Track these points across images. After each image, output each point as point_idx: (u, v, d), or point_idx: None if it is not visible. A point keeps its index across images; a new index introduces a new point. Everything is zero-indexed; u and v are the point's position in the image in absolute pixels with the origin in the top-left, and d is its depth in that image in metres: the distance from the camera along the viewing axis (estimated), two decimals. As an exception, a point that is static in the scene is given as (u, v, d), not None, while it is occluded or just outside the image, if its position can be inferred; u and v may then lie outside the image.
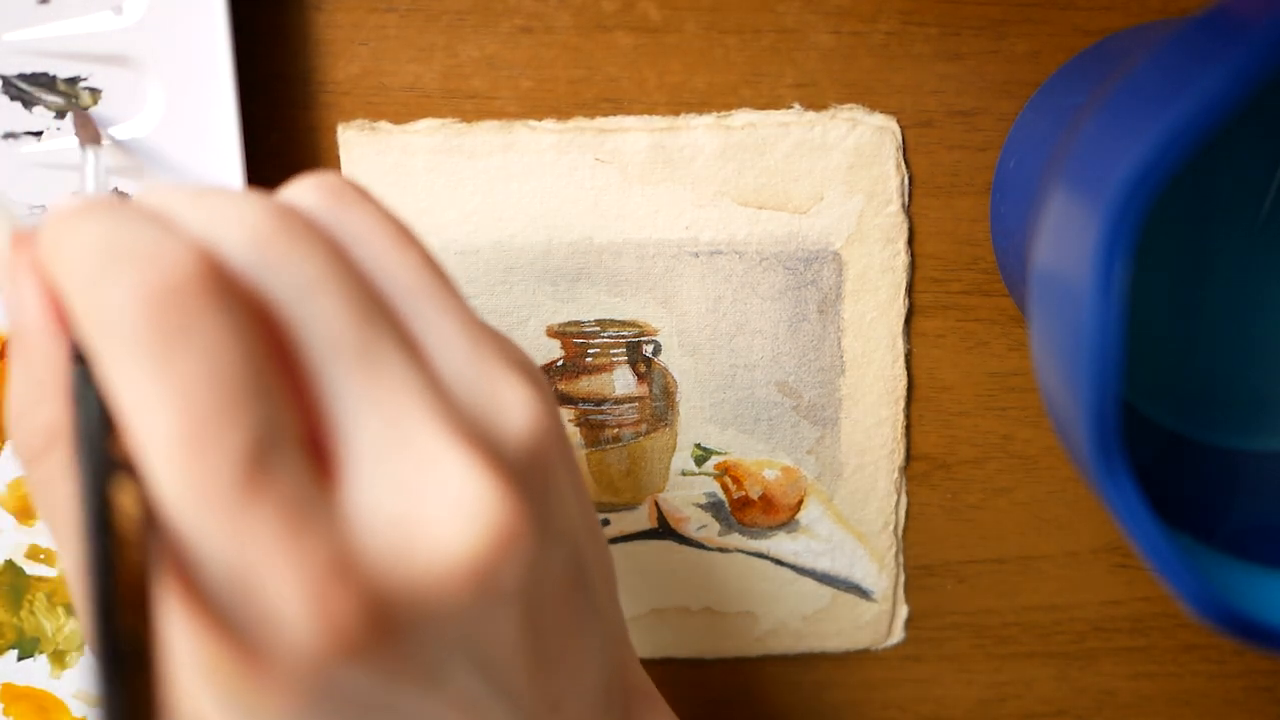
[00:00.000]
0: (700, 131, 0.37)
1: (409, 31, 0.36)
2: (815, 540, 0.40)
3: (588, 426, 0.39)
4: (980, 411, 0.40)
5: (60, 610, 0.38)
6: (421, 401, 0.23)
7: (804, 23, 0.37)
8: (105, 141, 0.34)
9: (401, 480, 0.23)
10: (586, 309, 0.38)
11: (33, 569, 0.37)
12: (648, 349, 0.38)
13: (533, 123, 0.37)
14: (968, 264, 0.39)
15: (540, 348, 0.38)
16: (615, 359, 0.38)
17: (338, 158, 0.37)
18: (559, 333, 0.38)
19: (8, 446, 0.36)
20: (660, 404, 0.39)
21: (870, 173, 0.37)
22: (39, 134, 0.34)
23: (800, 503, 0.40)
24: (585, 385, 0.39)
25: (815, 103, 0.37)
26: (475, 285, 0.37)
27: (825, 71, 0.37)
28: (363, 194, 0.26)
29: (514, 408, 0.25)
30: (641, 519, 0.40)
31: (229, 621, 0.22)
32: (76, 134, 0.33)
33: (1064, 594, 0.42)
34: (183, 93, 0.34)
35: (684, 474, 0.40)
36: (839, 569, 0.41)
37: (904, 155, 0.37)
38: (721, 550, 0.40)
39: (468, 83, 0.37)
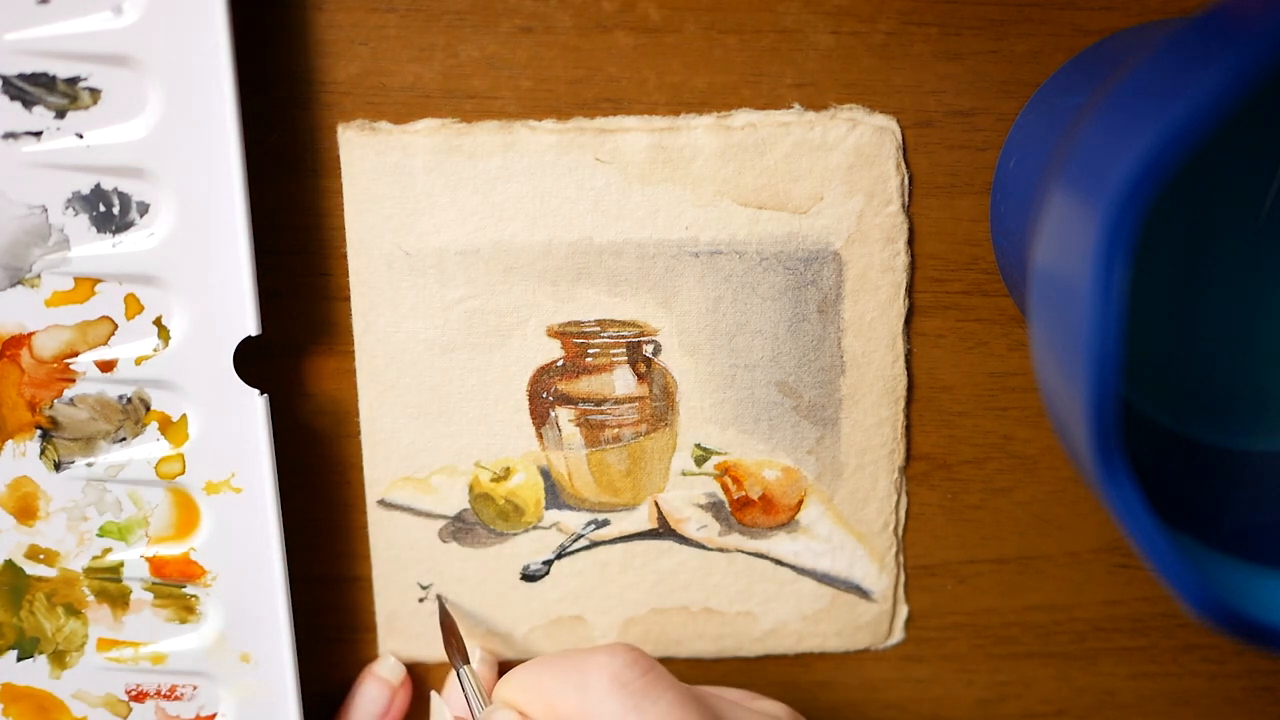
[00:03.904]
0: (700, 131, 0.37)
1: (409, 31, 0.36)
2: (815, 540, 0.40)
3: (588, 426, 0.39)
4: (980, 411, 0.40)
5: (60, 610, 0.38)
6: None
7: (804, 23, 0.37)
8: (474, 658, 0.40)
9: None
10: (586, 309, 0.38)
11: (33, 569, 0.37)
12: (648, 349, 0.38)
13: (533, 123, 0.37)
14: (968, 264, 0.39)
15: (540, 348, 0.38)
16: (615, 359, 0.38)
17: (338, 158, 0.37)
18: (559, 333, 0.38)
19: (7, 446, 0.36)
20: (660, 404, 0.39)
21: (870, 173, 0.37)
22: (39, 134, 0.34)
23: (800, 503, 0.40)
24: (585, 385, 0.39)
25: (815, 103, 0.37)
26: (475, 285, 0.37)
27: (825, 71, 0.37)
28: None
29: None
30: (641, 519, 0.40)
31: None
32: (447, 653, 0.39)
33: (1064, 594, 0.42)
34: (183, 93, 0.34)
35: (684, 474, 0.40)
36: (839, 569, 0.41)
37: (904, 155, 0.37)
38: (721, 550, 0.40)
39: (468, 83, 0.37)
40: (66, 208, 0.35)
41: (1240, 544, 0.30)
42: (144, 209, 0.35)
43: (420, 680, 0.42)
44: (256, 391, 0.37)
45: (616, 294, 0.38)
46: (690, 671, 0.42)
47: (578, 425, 0.39)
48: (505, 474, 0.39)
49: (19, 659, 0.38)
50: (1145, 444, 0.36)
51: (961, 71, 0.37)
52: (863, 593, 0.41)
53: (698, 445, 0.39)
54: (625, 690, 0.32)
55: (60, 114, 0.34)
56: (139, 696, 0.38)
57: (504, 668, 0.41)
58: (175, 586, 0.38)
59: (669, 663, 0.42)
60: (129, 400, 0.36)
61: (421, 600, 0.40)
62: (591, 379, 0.39)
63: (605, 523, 0.40)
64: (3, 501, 0.37)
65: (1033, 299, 0.27)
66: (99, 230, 0.35)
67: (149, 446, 0.37)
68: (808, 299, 0.38)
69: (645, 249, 0.37)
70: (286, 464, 0.38)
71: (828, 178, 0.37)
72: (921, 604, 0.42)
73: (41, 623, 0.38)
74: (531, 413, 0.39)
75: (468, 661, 0.38)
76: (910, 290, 0.39)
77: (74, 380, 0.36)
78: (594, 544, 0.40)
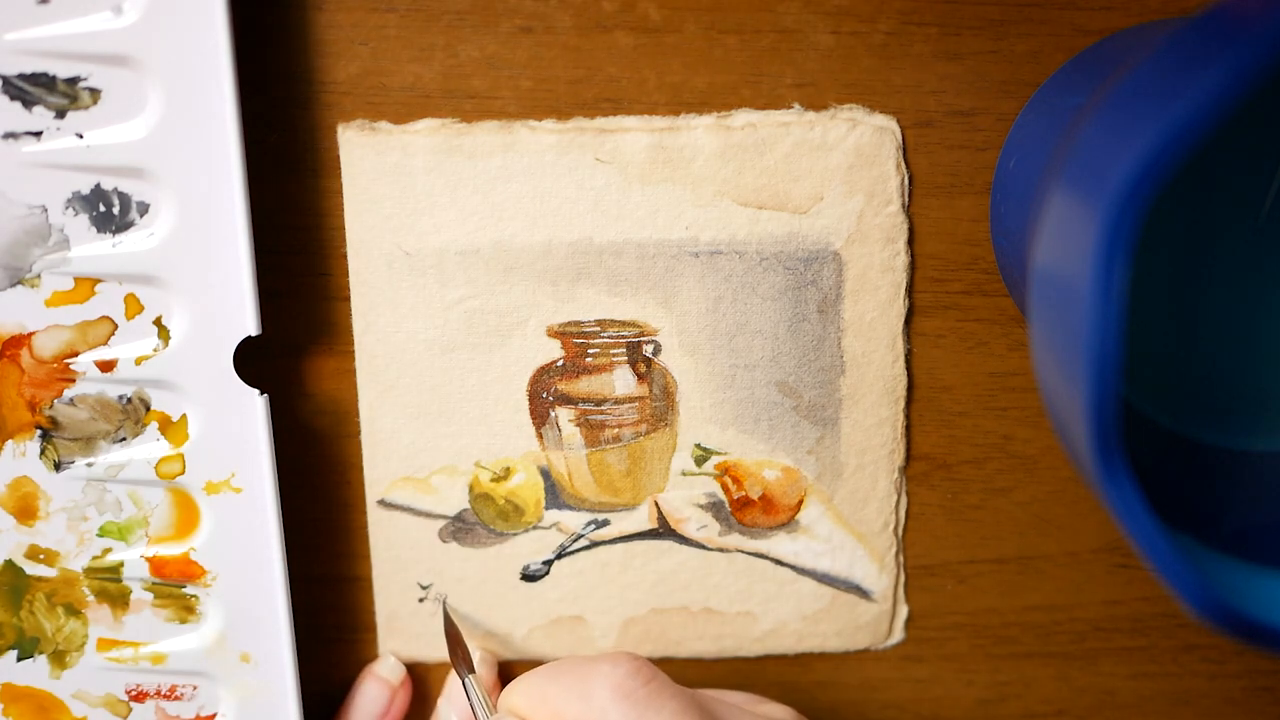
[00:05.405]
0: (700, 131, 0.37)
1: (409, 31, 0.36)
2: (815, 540, 0.40)
3: (588, 426, 0.39)
4: (980, 411, 0.40)
5: (60, 610, 0.38)
6: None
7: (804, 23, 0.37)
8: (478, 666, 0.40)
9: None
10: (586, 309, 0.38)
11: (33, 569, 0.37)
12: (648, 349, 0.38)
13: (533, 123, 0.37)
14: (968, 264, 0.39)
15: (540, 348, 0.38)
16: (615, 359, 0.38)
17: (338, 158, 0.37)
18: (559, 333, 0.38)
19: (7, 446, 0.36)
20: (660, 404, 0.39)
21: (870, 173, 0.37)
22: (39, 134, 0.34)
23: (800, 503, 0.40)
24: (585, 385, 0.39)
25: (815, 103, 0.37)
26: (475, 285, 0.37)
27: (825, 71, 0.37)
28: None
29: None
30: (641, 519, 0.40)
31: None
32: (451, 661, 0.38)
33: (1064, 594, 0.42)
34: (183, 93, 0.34)
35: (684, 474, 0.40)
36: (839, 569, 0.41)
37: (904, 155, 0.37)
38: (721, 550, 0.40)
39: (468, 83, 0.37)
40: (66, 208, 0.35)
41: (1240, 544, 0.30)
42: (144, 209, 0.35)
43: (420, 680, 0.42)
44: (256, 391, 0.37)
45: (616, 294, 0.38)
46: (690, 672, 0.42)
47: (578, 425, 0.39)
48: (505, 474, 0.39)
49: (19, 659, 0.38)
50: (1145, 444, 0.36)
51: (961, 71, 0.37)
52: (863, 593, 0.41)
53: (698, 445, 0.39)
54: (628, 700, 0.32)
55: (60, 114, 0.34)
56: (139, 696, 0.39)
57: (504, 668, 0.41)
58: (175, 586, 0.38)
59: (669, 663, 0.42)
60: (129, 400, 0.36)
61: (421, 600, 0.40)
62: (591, 379, 0.39)
63: (605, 523, 0.40)
64: (3, 501, 0.37)
65: (1033, 299, 0.27)
66: (99, 230, 0.35)
67: (149, 446, 0.37)
68: (808, 299, 0.38)
69: (645, 249, 0.37)
70: (286, 464, 0.38)
71: (828, 178, 0.37)
72: (921, 604, 0.42)
73: (41, 623, 0.38)
74: (531, 413, 0.39)
75: (473, 670, 0.38)
76: (910, 290, 0.39)
77: (74, 380, 0.36)
78: (594, 544, 0.40)
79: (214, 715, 0.39)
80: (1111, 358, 0.23)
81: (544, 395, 0.39)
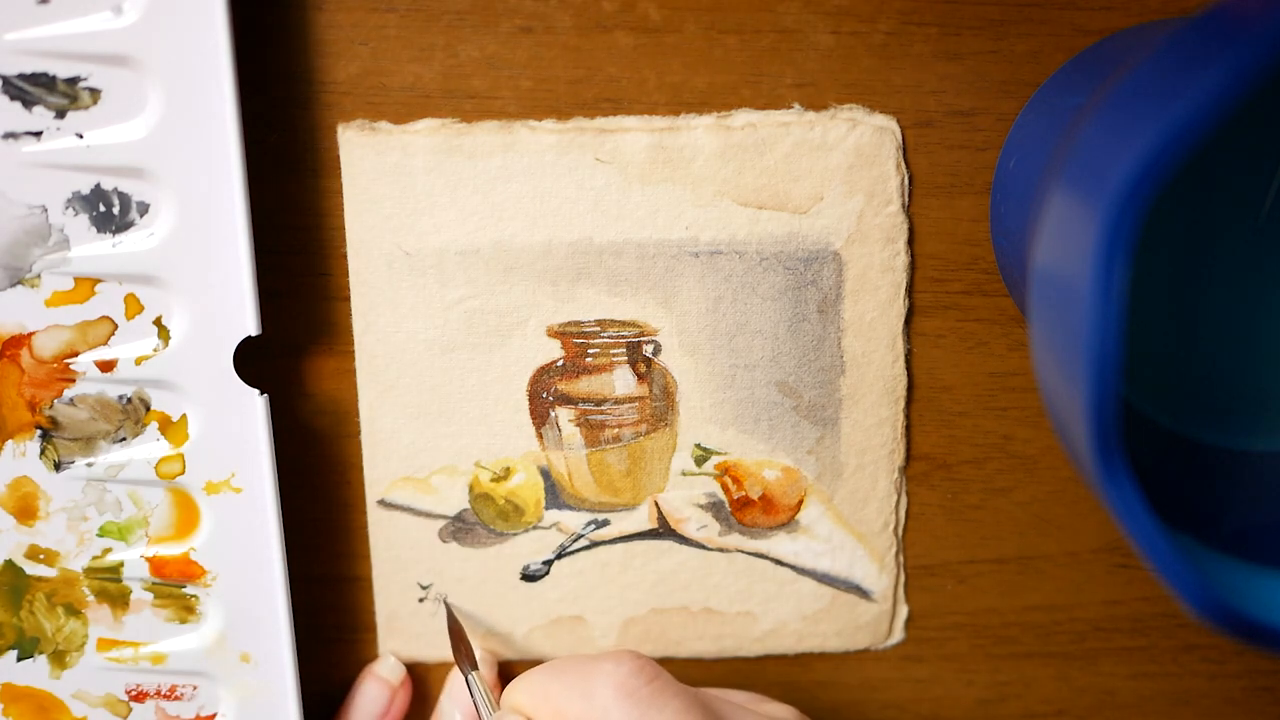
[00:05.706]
0: (700, 131, 0.37)
1: (409, 31, 0.36)
2: (815, 540, 0.40)
3: (588, 426, 0.39)
4: (980, 411, 0.40)
5: (60, 610, 0.38)
6: None
7: (804, 23, 0.37)
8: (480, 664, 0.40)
9: None
10: (586, 309, 0.38)
11: (33, 569, 0.37)
12: (648, 349, 0.38)
13: (533, 123, 0.37)
14: (968, 264, 0.39)
15: (540, 348, 0.38)
16: (615, 359, 0.38)
17: (338, 158, 0.37)
18: (559, 333, 0.38)
19: (7, 446, 0.36)
20: (660, 404, 0.39)
21: (870, 173, 0.37)
22: (39, 134, 0.34)
23: (800, 503, 0.40)
24: (585, 385, 0.39)
25: (815, 103, 0.37)
26: (475, 285, 0.37)
27: (825, 71, 0.37)
28: None
29: None
30: (641, 519, 0.40)
31: None
32: (455, 659, 0.39)
33: (1064, 594, 0.42)
34: (183, 93, 0.34)
35: (684, 474, 0.40)
36: (839, 569, 0.41)
37: (904, 155, 0.37)
38: (721, 550, 0.40)
39: (468, 83, 0.37)
40: (66, 208, 0.35)
41: (1240, 544, 0.30)
42: (144, 209, 0.35)
43: (420, 680, 0.42)
44: (256, 391, 0.37)
45: (616, 294, 0.38)
46: (690, 672, 0.42)
47: (578, 425, 0.39)
48: (505, 474, 0.39)
49: (19, 659, 0.38)
50: (1145, 444, 0.36)
51: (961, 71, 0.37)
52: (863, 593, 0.41)
53: (698, 445, 0.39)
54: (631, 699, 0.32)
55: (60, 114, 0.34)
56: (139, 696, 0.39)
57: (504, 668, 0.41)
58: (175, 586, 0.38)
59: (669, 663, 0.42)
60: (129, 400, 0.36)
61: (421, 600, 0.40)
62: (591, 379, 0.39)
63: (605, 523, 0.40)
64: (3, 501, 0.37)
65: (1033, 299, 0.27)
66: (99, 230, 0.35)
67: (149, 446, 0.37)
68: (808, 299, 0.38)
69: (645, 249, 0.37)
70: (286, 464, 0.38)
71: (828, 178, 0.37)
72: (921, 604, 0.42)
73: (41, 623, 0.38)
74: (531, 413, 0.39)
75: (476, 667, 0.38)
76: (910, 290, 0.39)
77: (74, 380, 0.36)
78: (594, 544, 0.40)
79: (214, 715, 0.39)
80: (1111, 358, 0.23)
81: (544, 395, 0.39)
